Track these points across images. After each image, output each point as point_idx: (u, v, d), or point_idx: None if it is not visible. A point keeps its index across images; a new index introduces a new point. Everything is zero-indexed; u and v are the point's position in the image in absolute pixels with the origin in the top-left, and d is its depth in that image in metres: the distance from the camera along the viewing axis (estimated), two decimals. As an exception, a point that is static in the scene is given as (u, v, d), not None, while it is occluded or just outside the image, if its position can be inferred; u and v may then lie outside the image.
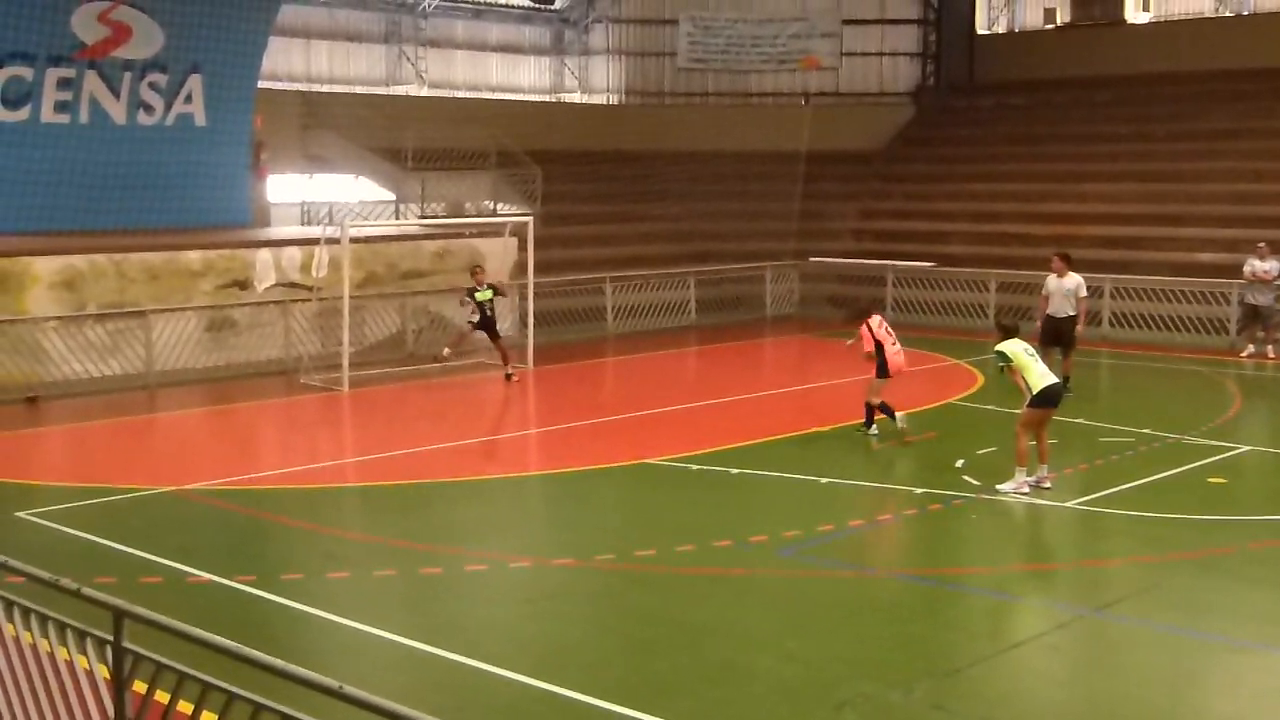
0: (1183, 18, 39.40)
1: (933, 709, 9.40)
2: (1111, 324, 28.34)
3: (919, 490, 15.40)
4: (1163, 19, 39.84)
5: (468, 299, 22.82)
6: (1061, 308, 21.33)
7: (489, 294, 22.74)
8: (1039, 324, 21.20)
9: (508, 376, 22.94)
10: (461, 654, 10.14)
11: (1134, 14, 39.68)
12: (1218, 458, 17.01)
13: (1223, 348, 26.71)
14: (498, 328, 23.14)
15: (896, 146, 40.41)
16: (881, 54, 41.96)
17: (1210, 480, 16.01)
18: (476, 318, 22.71)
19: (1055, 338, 21.06)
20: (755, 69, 41.51)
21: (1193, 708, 9.63)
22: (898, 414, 18.11)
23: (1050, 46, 40.74)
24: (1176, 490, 15.56)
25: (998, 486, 15.12)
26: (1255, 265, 26.19)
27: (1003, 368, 15.21)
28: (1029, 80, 39.69)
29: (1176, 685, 9.98)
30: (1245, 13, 38.44)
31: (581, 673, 9.92)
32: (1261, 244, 26.44)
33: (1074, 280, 21.34)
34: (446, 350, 23.04)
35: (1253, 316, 26.29)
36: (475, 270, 23.28)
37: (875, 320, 18.43)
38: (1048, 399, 15.01)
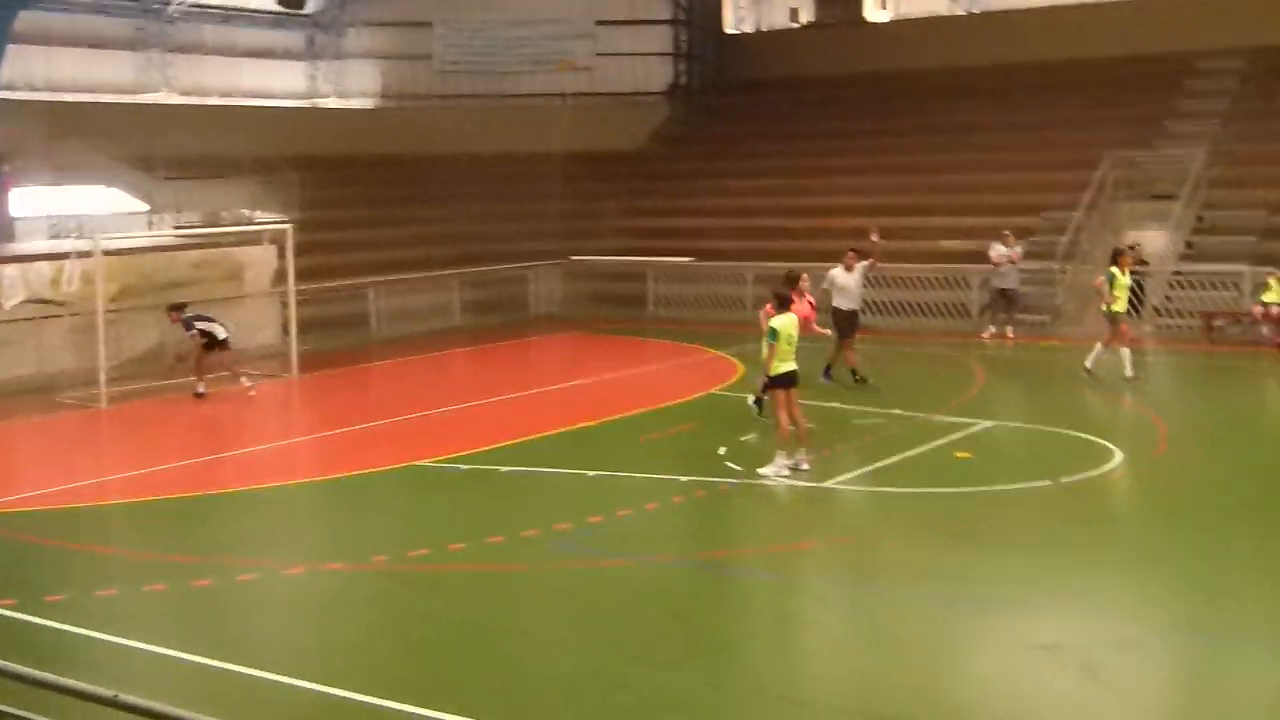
0: (919, 16, 41.03)
1: (705, 686, 9.82)
2: (863, 311, 29.35)
3: (684, 478, 15.85)
4: (901, 18, 41.41)
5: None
6: (855, 299, 22.06)
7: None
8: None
9: (199, 394, 22.32)
10: (236, 663, 10.13)
11: (873, 13, 41.16)
12: (963, 434, 17.93)
13: (966, 330, 28.02)
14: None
15: (655, 145, 41.10)
16: (635, 54, 42.58)
17: (957, 455, 16.90)
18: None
19: (850, 328, 21.74)
20: (512, 70, 41.72)
21: (949, 670, 10.21)
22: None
23: (797, 45, 41.97)
24: (926, 466, 16.38)
25: (759, 470, 15.70)
26: (1002, 250, 27.58)
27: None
28: (779, 78, 40.79)
29: (934, 650, 10.57)
30: (976, 11, 40.25)
31: (359, 674, 10.01)
32: (1006, 231, 27.89)
33: (860, 269, 22.14)
34: (245, 381, 22.47)
35: (1001, 299, 27.67)
36: (172, 310, 22.71)
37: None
38: (782, 382, 15.67)
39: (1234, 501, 14.84)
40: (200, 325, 22.28)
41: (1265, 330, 25.67)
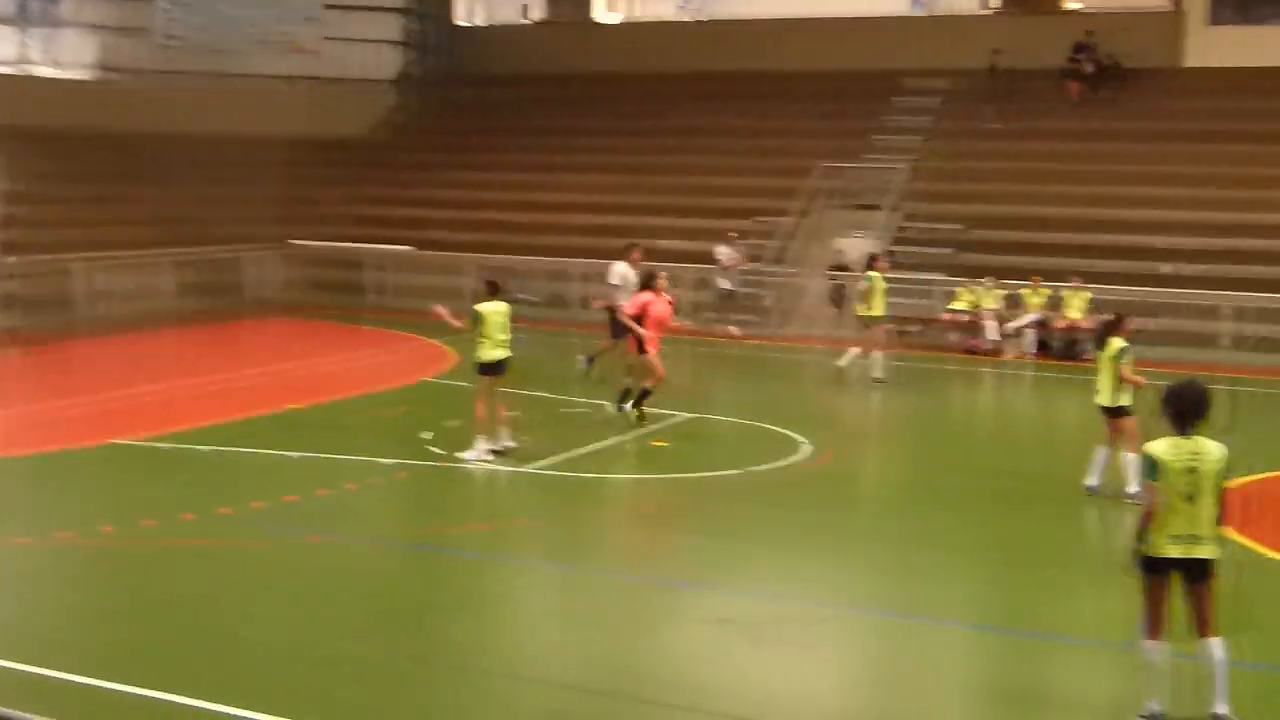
0: (648, 20, 41.91)
1: (406, 659, 10.05)
2: (582, 307, 29.94)
3: (386, 461, 16.01)
4: (631, 20, 42.22)
5: None
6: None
7: None
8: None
9: None
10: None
11: (603, 14, 41.86)
12: (663, 424, 18.53)
13: (678, 327, 28.74)
14: None
15: (382, 133, 40.85)
16: (365, 40, 42.21)
17: (654, 444, 17.51)
18: None
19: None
20: (237, 49, 40.82)
21: (632, 643, 10.71)
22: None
23: (528, 41, 42.30)
24: (625, 454, 17.01)
25: (460, 454, 15.98)
26: (725, 252, 28.57)
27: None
28: (509, 74, 40.97)
29: (620, 625, 11.09)
30: (704, 19, 41.36)
31: (49, 649, 9.90)
32: (733, 233, 28.89)
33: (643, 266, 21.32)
34: None
35: (727, 298, 28.62)
36: None
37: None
38: (489, 369, 16.05)
39: (906, 489, 15.84)
40: None
41: (953, 336, 27.26)
